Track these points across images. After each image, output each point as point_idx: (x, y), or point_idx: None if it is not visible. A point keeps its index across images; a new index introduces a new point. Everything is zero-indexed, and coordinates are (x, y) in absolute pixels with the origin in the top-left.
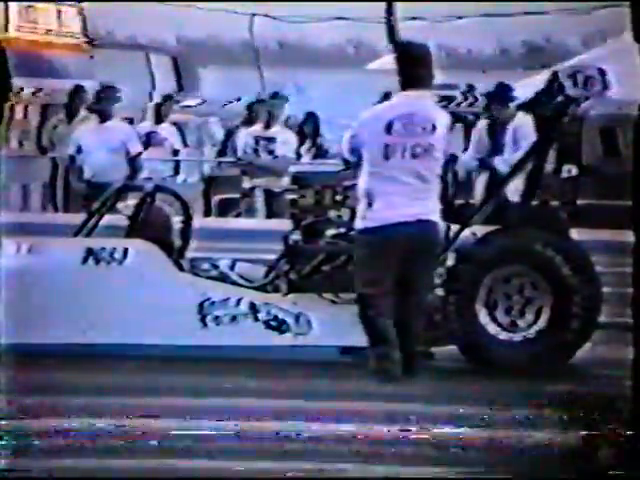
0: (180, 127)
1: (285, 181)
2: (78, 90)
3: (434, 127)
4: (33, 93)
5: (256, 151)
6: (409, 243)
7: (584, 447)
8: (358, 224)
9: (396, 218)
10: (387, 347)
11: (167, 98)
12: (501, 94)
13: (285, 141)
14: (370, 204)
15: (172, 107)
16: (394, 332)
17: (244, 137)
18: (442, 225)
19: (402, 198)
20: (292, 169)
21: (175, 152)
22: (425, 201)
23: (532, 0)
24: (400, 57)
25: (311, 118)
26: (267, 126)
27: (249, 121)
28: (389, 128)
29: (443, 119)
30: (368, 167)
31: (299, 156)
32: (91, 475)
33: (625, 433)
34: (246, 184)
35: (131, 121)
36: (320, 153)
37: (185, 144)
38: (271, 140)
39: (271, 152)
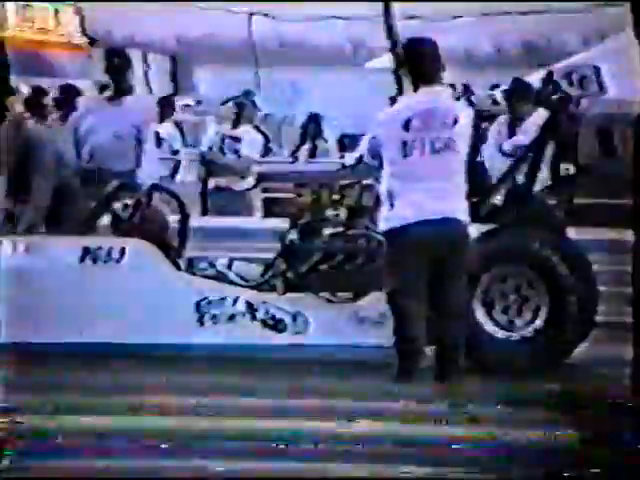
0: (180, 127)
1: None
2: (69, 89)
3: (455, 121)
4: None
5: (221, 149)
6: (436, 243)
7: (583, 446)
8: (381, 226)
9: (419, 217)
10: (413, 347)
11: (168, 98)
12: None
13: (251, 141)
14: (392, 205)
15: (173, 107)
16: (423, 334)
17: (212, 135)
18: (469, 226)
19: (425, 196)
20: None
21: (174, 152)
22: (450, 199)
23: (531, 0)
24: (408, 54)
25: (315, 119)
26: (235, 125)
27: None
28: (407, 125)
29: (465, 113)
30: (388, 167)
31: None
32: (91, 475)
33: (625, 432)
34: (210, 183)
35: None
36: (318, 154)
37: (185, 144)
38: (236, 139)
39: (236, 151)
